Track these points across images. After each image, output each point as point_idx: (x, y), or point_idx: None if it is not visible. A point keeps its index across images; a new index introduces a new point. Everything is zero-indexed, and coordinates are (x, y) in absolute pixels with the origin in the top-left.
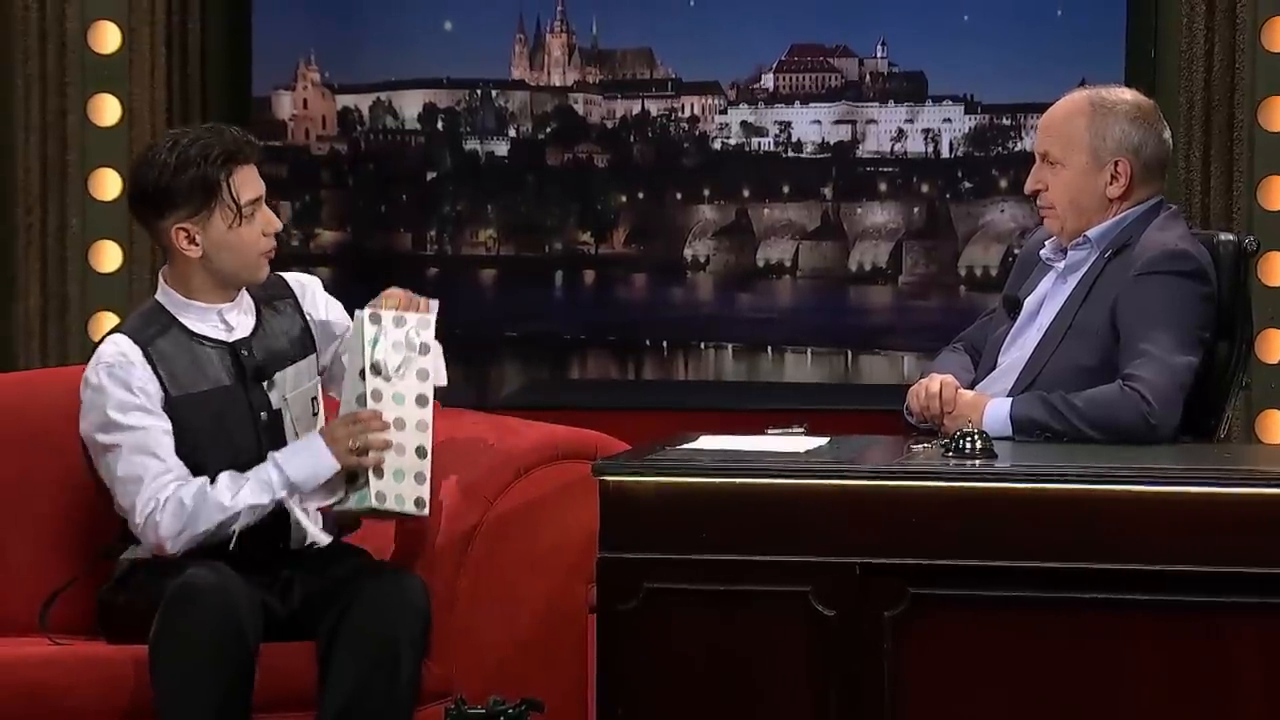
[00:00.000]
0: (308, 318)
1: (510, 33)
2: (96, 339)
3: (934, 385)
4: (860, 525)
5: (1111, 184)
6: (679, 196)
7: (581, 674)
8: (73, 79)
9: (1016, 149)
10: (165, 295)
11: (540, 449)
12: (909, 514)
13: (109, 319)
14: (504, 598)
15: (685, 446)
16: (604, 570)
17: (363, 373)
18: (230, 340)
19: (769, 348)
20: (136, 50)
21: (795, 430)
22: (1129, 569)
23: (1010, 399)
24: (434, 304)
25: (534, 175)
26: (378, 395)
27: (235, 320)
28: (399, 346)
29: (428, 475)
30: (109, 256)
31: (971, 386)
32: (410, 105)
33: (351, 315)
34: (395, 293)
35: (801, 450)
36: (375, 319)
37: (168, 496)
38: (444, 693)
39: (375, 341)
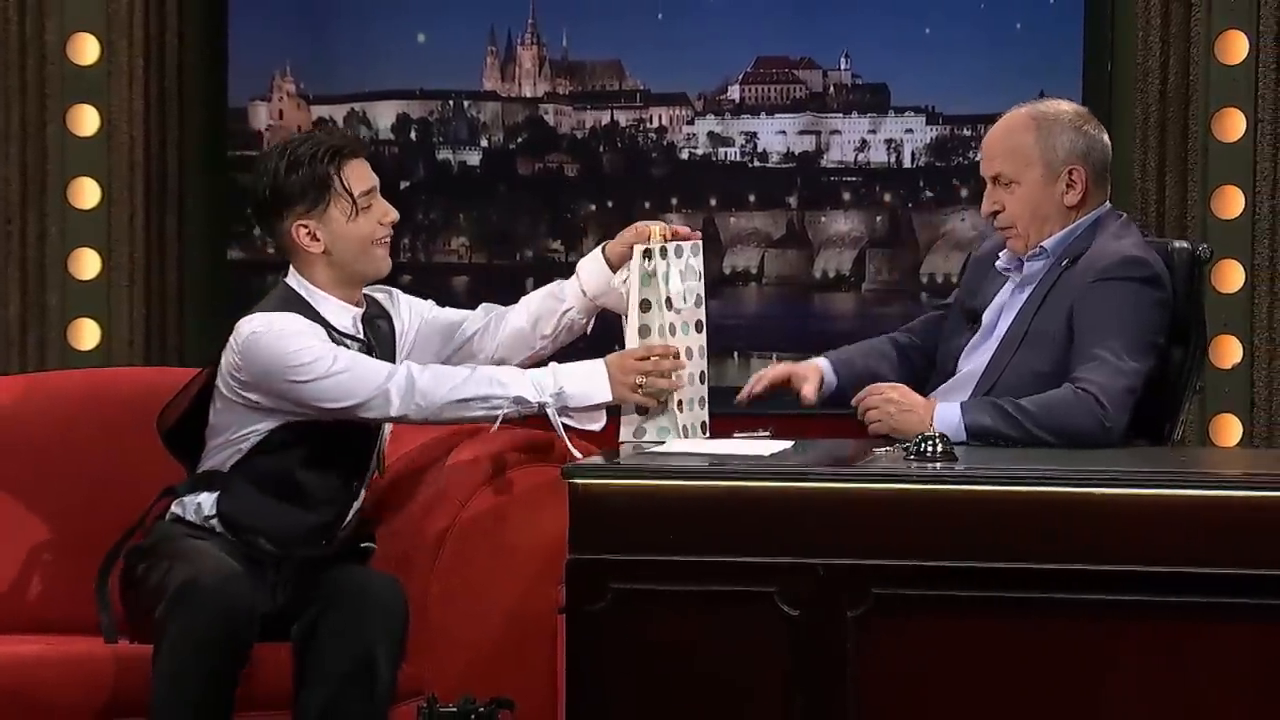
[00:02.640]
0: (398, 326)
1: (482, 45)
2: (76, 346)
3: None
4: (824, 527)
5: (1068, 192)
6: (647, 205)
7: (551, 673)
8: (52, 90)
9: (977, 159)
10: (303, 288)
11: (511, 452)
12: (872, 516)
13: (88, 326)
14: (475, 598)
15: (653, 450)
16: (573, 571)
17: (645, 305)
18: (364, 339)
19: (735, 353)
20: (115, 62)
21: (761, 434)
22: (1088, 569)
23: (960, 404)
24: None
25: (505, 184)
26: (671, 329)
27: (361, 326)
28: (685, 274)
29: (707, 399)
30: (88, 264)
31: (923, 392)
32: (384, 116)
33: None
34: (654, 227)
35: (767, 453)
36: (664, 252)
37: (420, 368)
38: (416, 692)
39: (667, 277)
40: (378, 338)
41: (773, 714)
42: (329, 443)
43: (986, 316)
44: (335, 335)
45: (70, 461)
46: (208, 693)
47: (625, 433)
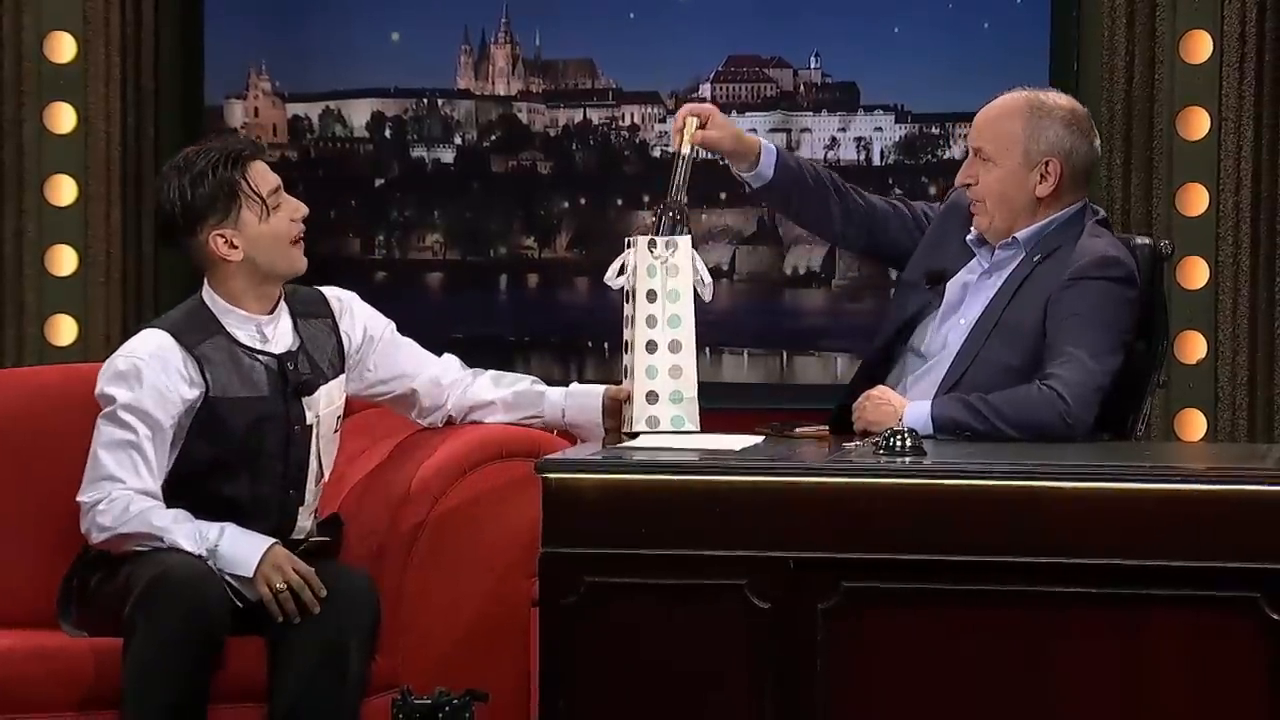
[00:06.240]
0: (344, 337)
1: (456, 44)
2: (54, 342)
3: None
4: (794, 521)
5: (1041, 183)
6: (619, 202)
7: (524, 666)
8: (29, 88)
9: (945, 157)
10: (212, 301)
11: (484, 448)
12: (841, 510)
13: (65, 322)
14: (449, 592)
15: (625, 445)
16: (546, 565)
17: (651, 295)
18: (277, 353)
19: (707, 349)
20: (92, 60)
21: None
22: (1055, 562)
23: (930, 400)
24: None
25: (479, 182)
26: (676, 320)
27: (272, 333)
28: (698, 266)
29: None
30: (64, 261)
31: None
32: (358, 114)
33: None
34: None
35: (737, 448)
36: (670, 244)
37: (118, 497)
38: (390, 684)
39: (694, 266)
40: (314, 341)
41: (743, 705)
42: (247, 457)
43: (950, 292)
44: (241, 349)
45: (46, 456)
46: (180, 689)
47: (638, 423)
